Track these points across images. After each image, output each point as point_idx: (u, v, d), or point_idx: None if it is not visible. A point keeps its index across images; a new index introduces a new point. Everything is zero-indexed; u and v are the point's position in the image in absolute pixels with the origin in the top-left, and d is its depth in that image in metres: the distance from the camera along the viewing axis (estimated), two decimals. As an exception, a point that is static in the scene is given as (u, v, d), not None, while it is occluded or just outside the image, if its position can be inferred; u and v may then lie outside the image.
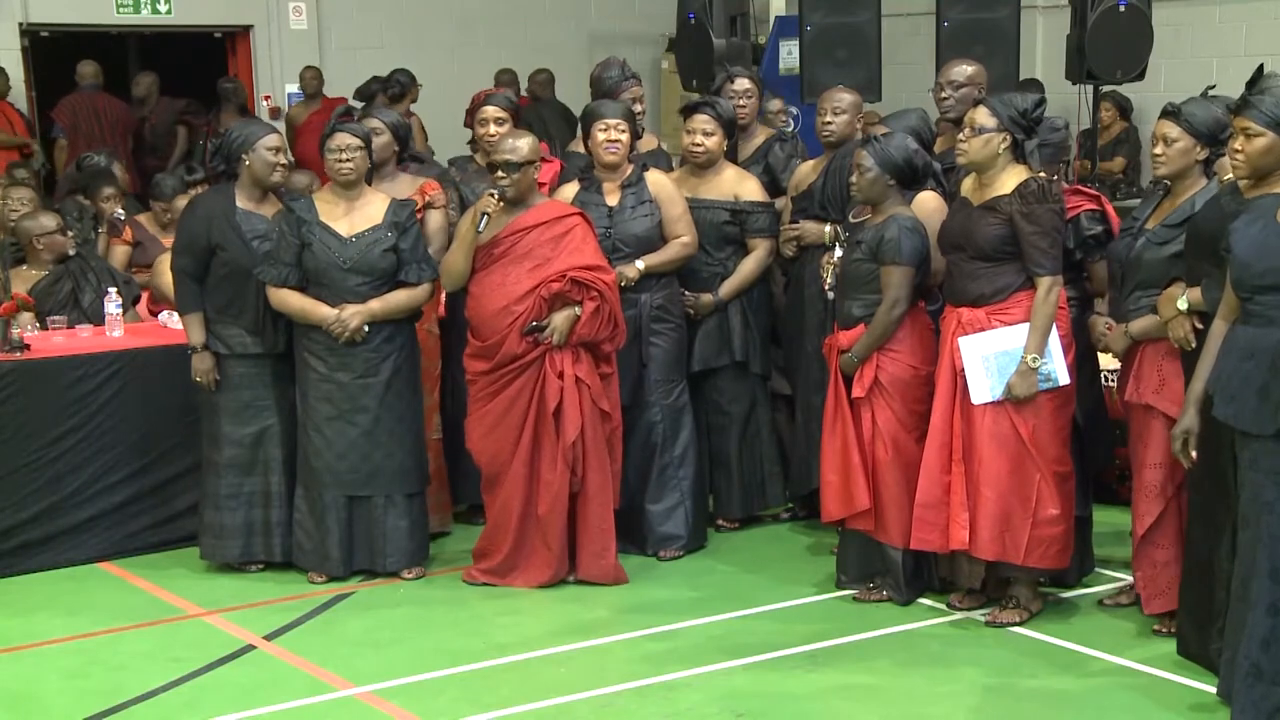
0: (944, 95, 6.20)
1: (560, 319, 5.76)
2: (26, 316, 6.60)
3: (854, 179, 5.59)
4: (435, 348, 6.46)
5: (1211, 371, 4.55)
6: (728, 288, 6.33)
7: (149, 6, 12.28)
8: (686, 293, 6.32)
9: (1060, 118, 5.86)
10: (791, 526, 6.68)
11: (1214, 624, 4.79)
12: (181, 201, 7.62)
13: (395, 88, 11.48)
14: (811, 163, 6.48)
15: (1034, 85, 10.34)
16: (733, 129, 6.47)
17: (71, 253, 7.17)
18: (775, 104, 6.72)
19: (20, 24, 11.82)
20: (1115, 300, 5.36)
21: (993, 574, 5.51)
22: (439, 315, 6.49)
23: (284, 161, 6.10)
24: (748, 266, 6.35)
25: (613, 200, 6.21)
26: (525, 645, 5.40)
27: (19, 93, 11.65)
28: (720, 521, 6.60)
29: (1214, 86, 5.24)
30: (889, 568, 5.63)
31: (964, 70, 6.23)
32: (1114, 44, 9.14)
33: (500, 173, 5.80)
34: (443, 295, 6.36)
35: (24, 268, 7.15)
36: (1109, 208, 5.62)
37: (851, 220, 5.76)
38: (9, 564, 6.16)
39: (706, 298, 6.33)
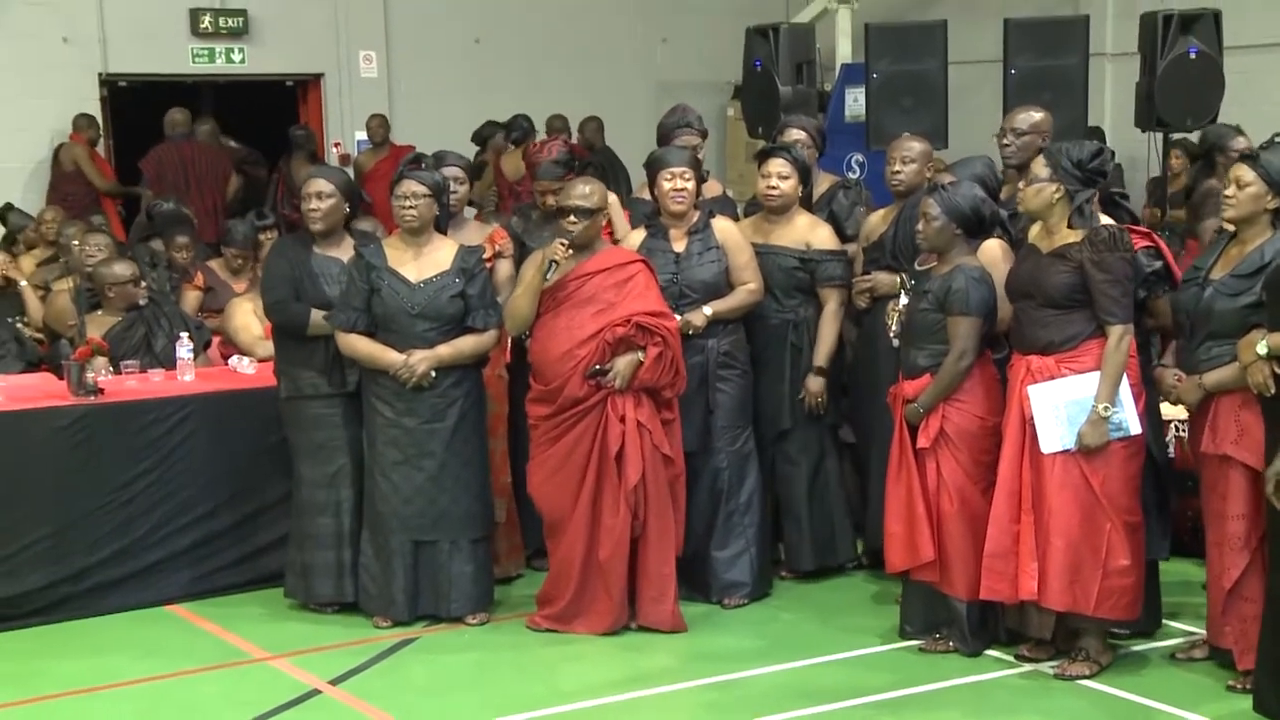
0: (1006, 142, 6.16)
1: (623, 363, 5.78)
2: (100, 361, 6.68)
3: (920, 227, 5.58)
4: (504, 392, 6.49)
5: None
6: (824, 357, 6.28)
7: (224, 56, 12.50)
8: (805, 394, 6.28)
9: (1096, 143, 5.79)
10: (856, 575, 6.62)
11: (1292, 678, 4.70)
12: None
13: (517, 132, 11.67)
14: (881, 212, 6.45)
15: (1095, 133, 10.28)
16: (808, 175, 6.47)
17: (142, 303, 7.24)
18: (794, 133, 6.70)
19: (100, 74, 12.08)
20: (1184, 351, 5.31)
21: (1062, 625, 5.45)
22: (506, 360, 6.52)
23: (315, 207, 6.06)
24: (829, 326, 6.30)
25: (679, 247, 6.22)
26: (590, 692, 5.38)
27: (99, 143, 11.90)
28: (784, 572, 6.55)
29: None
30: (954, 619, 5.58)
31: (1029, 118, 6.17)
32: (1184, 91, 9.09)
33: (572, 218, 5.84)
34: (509, 340, 6.39)
35: (99, 313, 7.25)
36: (1162, 245, 5.58)
37: (917, 268, 5.74)
38: (82, 606, 6.22)
39: (814, 381, 6.27)
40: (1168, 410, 5.91)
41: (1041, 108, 6.32)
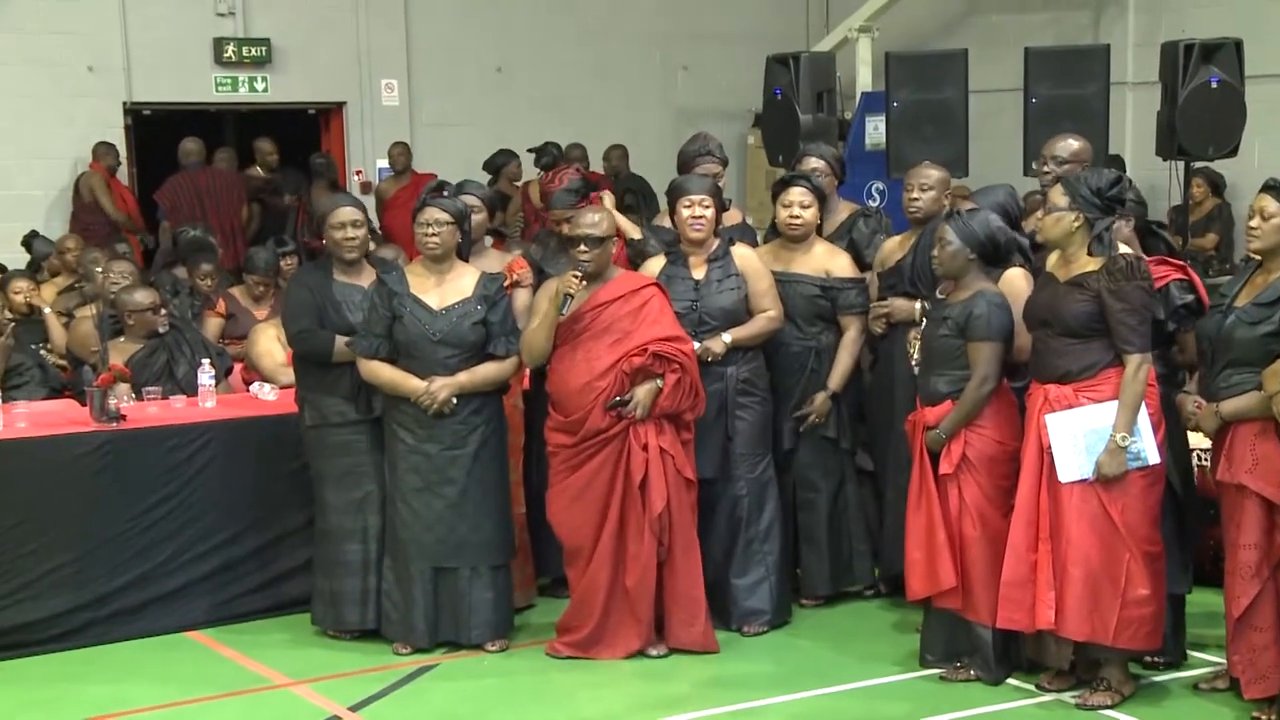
0: (1045, 169, 6.12)
1: (643, 392, 5.79)
2: (123, 387, 6.71)
3: (935, 253, 5.60)
4: (520, 421, 6.50)
5: None
6: (838, 381, 6.31)
7: (246, 85, 12.59)
8: (808, 406, 6.31)
9: (1114, 171, 5.79)
10: (876, 603, 6.60)
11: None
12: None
13: (546, 158, 11.75)
14: (898, 238, 6.46)
15: (1115, 162, 10.27)
16: (824, 202, 6.49)
17: (162, 330, 7.26)
18: (813, 161, 6.73)
19: (125, 103, 12.17)
20: (1205, 378, 5.30)
21: (1083, 655, 5.42)
22: (523, 388, 6.53)
23: (352, 235, 6.13)
24: (847, 352, 6.33)
25: (699, 274, 6.24)
26: (608, 719, 5.37)
27: (121, 170, 11.97)
28: (803, 600, 6.55)
29: None
30: (978, 646, 5.56)
31: (1069, 146, 6.13)
32: (1206, 120, 9.08)
33: (583, 247, 5.86)
34: (526, 369, 6.40)
35: (121, 340, 7.28)
36: (1195, 277, 5.58)
37: (939, 295, 5.74)
38: (102, 632, 6.24)
39: (821, 398, 6.30)
40: (1193, 439, 5.88)
41: (1080, 136, 6.31)
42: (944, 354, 5.53)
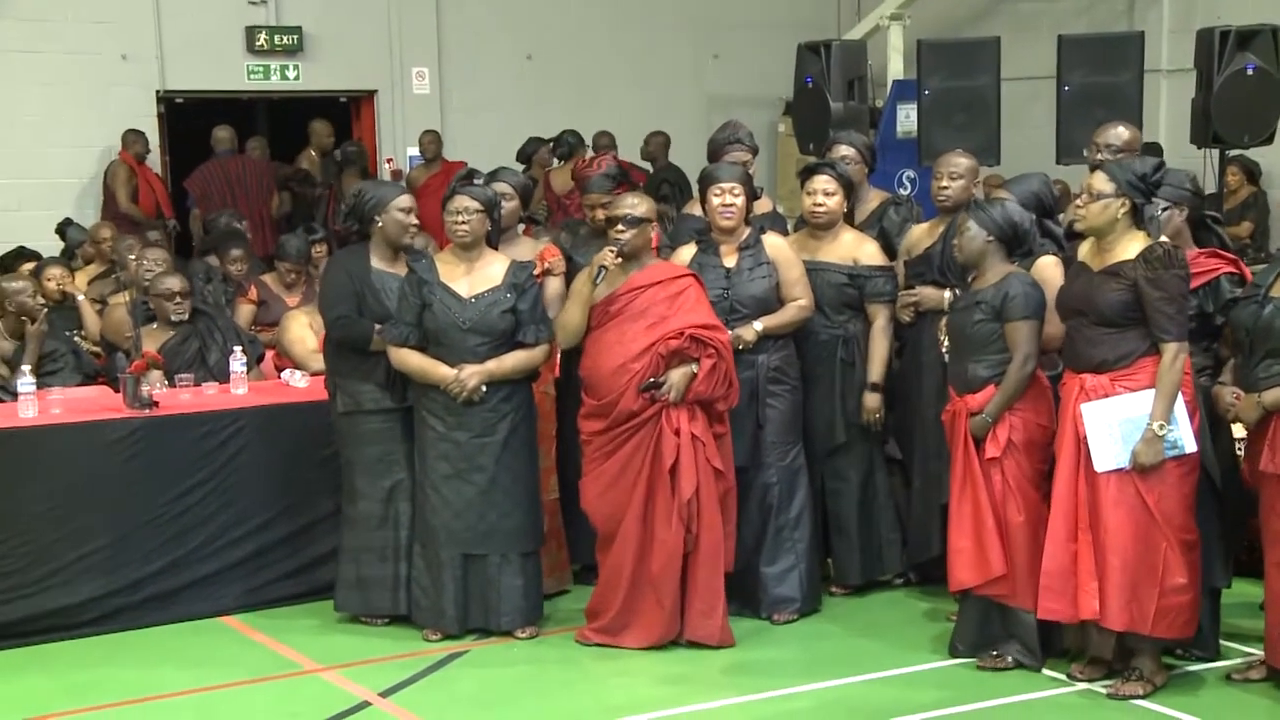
0: (1099, 157, 6.08)
1: (677, 375, 5.78)
2: (155, 374, 6.74)
3: (955, 240, 5.60)
4: (551, 408, 6.50)
5: None
6: (878, 372, 6.29)
7: (278, 73, 12.64)
8: (865, 416, 6.28)
9: (1185, 171, 5.77)
10: (907, 591, 6.59)
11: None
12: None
13: (563, 148, 11.74)
14: (925, 226, 6.43)
15: (1153, 149, 10.22)
16: (851, 190, 6.47)
17: (174, 318, 7.20)
18: (842, 149, 6.67)
19: (157, 91, 12.23)
20: (1242, 368, 5.26)
21: (1118, 644, 5.39)
22: (554, 376, 6.53)
23: (415, 222, 6.20)
24: (880, 343, 6.30)
25: (730, 262, 6.23)
26: (637, 706, 5.38)
27: (153, 158, 12.04)
28: (834, 588, 6.54)
29: None
30: (1021, 632, 5.53)
31: (1120, 134, 6.11)
32: (1241, 108, 9.03)
33: (620, 227, 5.86)
34: (558, 356, 6.40)
35: (154, 326, 7.31)
36: (1246, 271, 5.53)
37: (969, 282, 5.72)
38: (135, 617, 6.28)
39: (869, 396, 6.27)
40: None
41: (1130, 125, 6.28)
42: (980, 340, 5.51)
